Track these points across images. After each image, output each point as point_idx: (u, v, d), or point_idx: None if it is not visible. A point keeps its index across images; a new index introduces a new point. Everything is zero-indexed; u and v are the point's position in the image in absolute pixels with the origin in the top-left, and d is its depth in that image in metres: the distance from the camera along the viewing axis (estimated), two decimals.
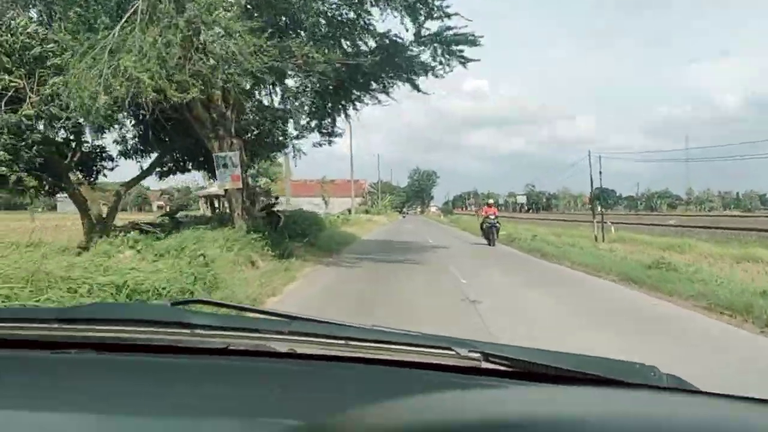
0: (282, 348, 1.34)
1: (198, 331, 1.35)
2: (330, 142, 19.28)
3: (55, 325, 1.39)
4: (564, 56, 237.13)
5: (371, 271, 15.61)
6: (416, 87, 18.21)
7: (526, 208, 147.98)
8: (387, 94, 18.51)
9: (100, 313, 1.52)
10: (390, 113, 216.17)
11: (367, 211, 77.57)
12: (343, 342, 1.31)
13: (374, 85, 18.37)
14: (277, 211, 21.71)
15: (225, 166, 15.64)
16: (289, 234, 21.24)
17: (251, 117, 16.41)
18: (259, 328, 1.38)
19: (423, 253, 20.96)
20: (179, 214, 20.94)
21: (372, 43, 16.46)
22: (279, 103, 16.84)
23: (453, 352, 1.27)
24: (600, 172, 28.08)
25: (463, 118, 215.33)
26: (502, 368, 1.25)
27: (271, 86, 15.33)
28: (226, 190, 16.30)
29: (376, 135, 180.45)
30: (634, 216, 78.10)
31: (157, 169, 19.89)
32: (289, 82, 16.85)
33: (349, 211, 73.08)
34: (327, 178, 76.06)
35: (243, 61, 11.69)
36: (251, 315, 1.78)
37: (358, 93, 18.39)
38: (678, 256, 18.14)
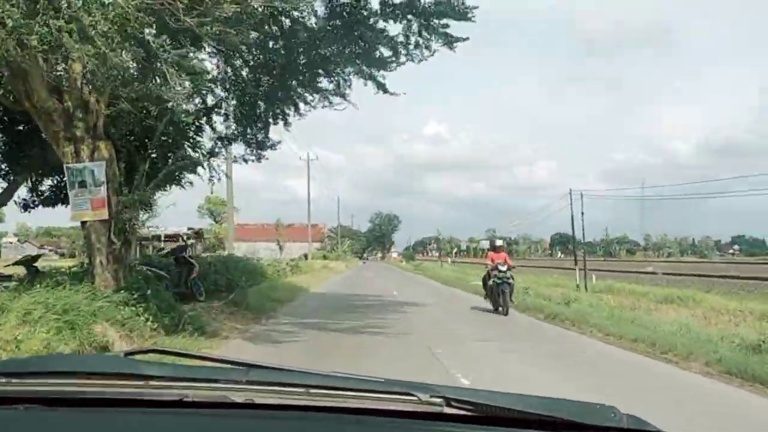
0: (240, 398, 1.28)
1: (152, 382, 1.30)
2: (260, 157, 13.55)
3: (2, 380, 1.32)
4: (522, 102, 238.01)
5: (312, 349, 9.97)
6: (381, 86, 12.81)
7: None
8: (342, 95, 13.02)
9: (49, 365, 1.47)
10: (352, 158, 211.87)
11: (324, 257, 71.72)
12: (303, 390, 1.28)
13: (324, 82, 12.89)
14: (190, 257, 15.96)
15: (82, 184, 9.81)
16: (207, 289, 15.40)
17: (139, 115, 10.41)
18: (216, 378, 1.33)
19: (389, 314, 15.35)
20: (40, 260, 14.96)
21: (321, 7, 11.03)
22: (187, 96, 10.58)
23: (414, 398, 1.24)
24: (582, 213, 24.60)
25: (424, 163, 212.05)
26: (464, 413, 1.22)
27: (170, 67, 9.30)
28: (83, 223, 10.25)
29: (338, 179, 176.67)
30: (602, 262, 75.05)
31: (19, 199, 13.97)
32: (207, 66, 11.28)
33: (306, 256, 67.22)
34: (283, 221, 69.41)
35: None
36: (208, 364, 1.62)
37: (301, 89, 12.82)
38: (685, 311, 15.68)
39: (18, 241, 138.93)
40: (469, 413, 1.22)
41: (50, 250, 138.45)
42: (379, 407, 1.25)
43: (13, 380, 1.32)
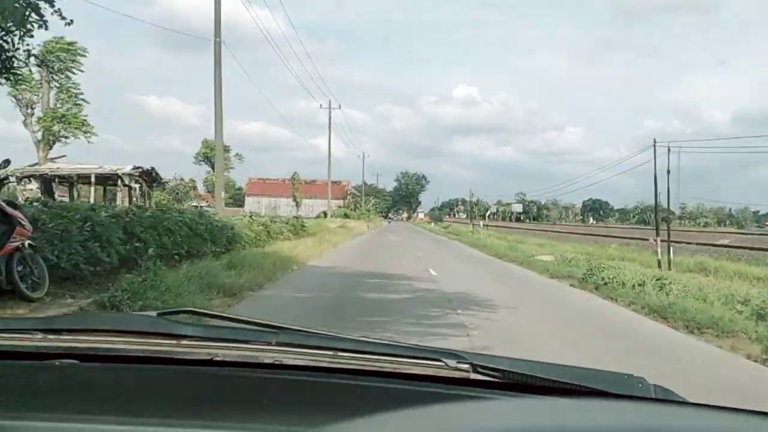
0: (269, 359, 1.28)
1: (184, 341, 1.31)
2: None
3: (39, 336, 1.35)
4: (554, 66, 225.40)
5: None
6: None
7: (521, 217, 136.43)
8: None
9: (85, 323, 1.51)
10: (378, 119, 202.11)
11: (346, 215, 64.14)
12: (331, 353, 1.28)
13: None
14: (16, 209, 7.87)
15: None
16: (69, 270, 7.66)
17: None
18: (246, 339, 1.34)
19: (437, 334, 7.47)
20: None
21: None
22: None
23: (442, 363, 1.24)
24: (668, 172, 20.50)
25: (452, 125, 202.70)
26: (491, 380, 1.22)
27: None
28: None
29: (364, 139, 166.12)
30: (646, 230, 66.32)
31: None
32: None
33: (325, 214, 59.64)
34: (302, 177, 61.46)
35: None
36: (239, 326, 1.61)
37: None
38: None
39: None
40: (495, 380, 1.22)
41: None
42: (406, 371, 1.25)
43: (50, 336, 1.34)
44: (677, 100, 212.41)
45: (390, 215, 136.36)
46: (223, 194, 24.96)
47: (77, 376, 1.25)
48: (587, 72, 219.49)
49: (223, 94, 20.46)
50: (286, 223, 25.27)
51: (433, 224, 78.23)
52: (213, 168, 30.34)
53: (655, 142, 20.96)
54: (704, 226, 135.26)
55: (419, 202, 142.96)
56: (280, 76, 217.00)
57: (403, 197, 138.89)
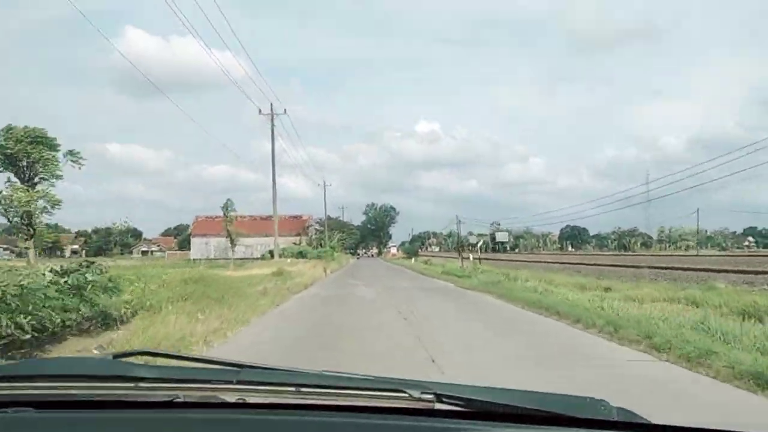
0: (232, 398, 1.25)
1: (142, 384, 1.25)
2: None
3: None
4: (515, 99, 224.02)
5: None
6: None
7: (497, 247, 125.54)
8: None
9: (39, 369, 1.43)
10: (344, 157, 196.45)
11: (301, 253, 50.34)
12: (294, 389, 1.24)
13: None
14: None
15: None
16: None
17: None
18: (207, 379, 1.30)
19: None
20: None
21: None
22: None
23: (405, 395, 1.21)
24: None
25: (417, 161, 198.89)
26: (456, 408, 1.19)
27: None
28: None
29: (330, 177, 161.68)
30: (639, 257, 56.63)
31: None
32: None
33: (271, 254, 45.96)
34: (232, 210, 46.78)
35: None
36: (199, 365, 1.55)
37: None
38: None
39: None
40: (460, 409, 1.18)
41: (5, 248, 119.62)
42: (370, 404, 1.21)
43: (2, 383, 1.28)
44: (633, 128, 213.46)
45: (359, 251, 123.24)
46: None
47: (32, 425, 1.18)
48: (547, 103, 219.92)
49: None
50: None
51: (412, 260, 64.05)
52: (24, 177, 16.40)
53: None
54: (686, 249, 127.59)
55: (389, 236, 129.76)
56: (243, 116, 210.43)
57: (371, 231, 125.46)
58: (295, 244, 60.27)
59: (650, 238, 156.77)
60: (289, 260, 39.30)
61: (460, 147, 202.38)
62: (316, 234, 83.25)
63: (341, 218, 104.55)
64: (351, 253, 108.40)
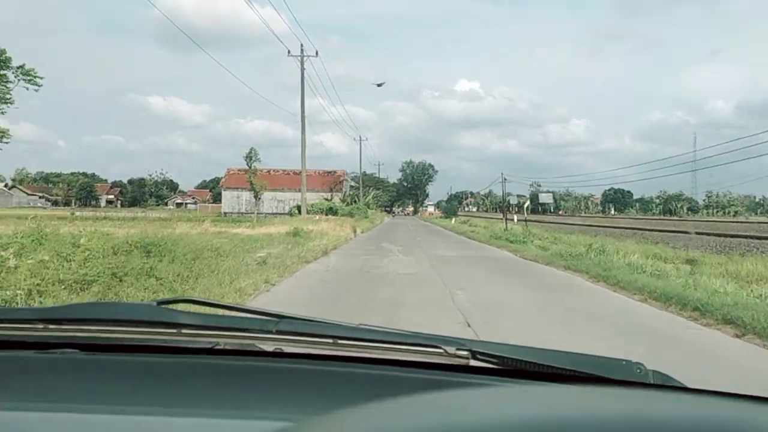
0: (269, 347, 1.29)
1: (184, 330, 1.28)
2: None
3: (40, 326, 1.33)
4: (557, 60, 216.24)
5: None
6: None
7: (539, 209, 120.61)
8: None
9: (86, 312, 1.45)
10: (381, 115, 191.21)
11: (331, 209, 46.43)
12: (331, 341, 1.26)
13: None
14: None
15: None
16: None
17: None
18: (246, 328, 1.31)
19: None
20: None
21: None
22: None
23: (441, 350, 1.22)
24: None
25: (455, 119, 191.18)
26: (490, 366, 1.21)
27: None
28: None
29: (368, 134, 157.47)
30: (698, 222, 50.55)
31: None
32: None
33: (299, 209, 42.10)
34: (257, 159, 42.82)
35: None
36: (239, 314, 1.55)
37: None
38: None
39: (5, 186, 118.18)
40: (494, 366, 1.20)
41: (41, 197, 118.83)
42: (405, 359, 1.23)
43: (51, 326, 1.32)
44: (680, 92, 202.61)
45: (394, 209, 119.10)
46: None
47: (79, 366, 1.23)
48: (590, 65, 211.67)
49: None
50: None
51: (451, 220, 59.47)
52: None
53: None
54: (734, 215, 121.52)
55: (426, 195, 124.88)
56: (284, 74, 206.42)
57: (408, 189, 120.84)
58: (326, 199, 56.29)
59: (695, 202, 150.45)
60: (317, 217, 35.41)
61: (500, 106, 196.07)
62: (350, 190, 79.40)
63: (377, 175, 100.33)
64: (386, 210, 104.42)
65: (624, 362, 1.22)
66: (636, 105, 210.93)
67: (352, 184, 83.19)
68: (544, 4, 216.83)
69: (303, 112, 36.28)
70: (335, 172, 79.42)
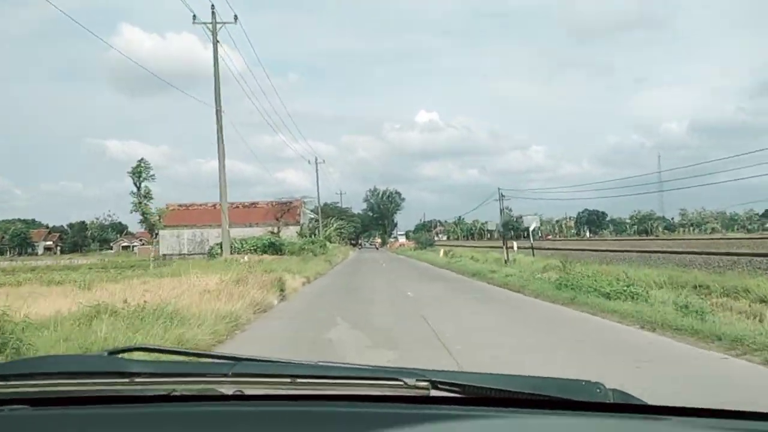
0: (228, 391, 1.22)
1: (138, 379, 1.21)
2: None
3: None
4: (514, 89, 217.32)
5: None
6: None
7: (535, 233, 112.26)
8: None
9: (33, 366, 1.37)
10: (343, 150, 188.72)
11: (273, 245, 34.62)
12: (289, 380, 1.21)
13: None
14: None
15: None
16: None
17: None
18: (203, 372, 1.27)
19: None
20: None
21: None
22: None
23: (400, 383, 1.17)
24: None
25: (417, 151, 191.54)
26: (451, 395, 1.16)
27: None
28: None
29: (329, 169, 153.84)
30: (686, 240, 47.55)
31: None
32: None
33: (220, 247, 29.92)
34: (146, 177, 30.85)
35: None
36: (194, 359, 1.52)
37: None
38: None
39: None
40: (455, 395, 1.16)
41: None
42: (366, 393, 1.19)
43: None
44: (635, 115, 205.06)
45: (360, 241, 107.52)
46: None
47: (29, 422, 1.16)
48: (547, 92, 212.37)
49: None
50: None
51: (441, 254, 47.12)
52: None
53: None
54: (710, 231, 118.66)
55: (395, 224, 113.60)
56: (242, 112, 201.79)
57: (374, 219, 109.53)
58: (272, 233, 44.39)
59: (668, 221, 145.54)
60: (246, 257, 23.78)
61: (460, 137, 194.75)
62: (311, 223, 67.92)
63: (339, 205, 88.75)
64: (352, 243, 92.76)
65: (584, 383, 1.18)
66: (592, 129, 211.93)
67: (312, 216, 71.68)
68: (496, 36, 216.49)
69: (218, 100, 24.59)
70: (290, 202, 67.50)
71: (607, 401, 1.14)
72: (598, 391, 1.15)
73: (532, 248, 29.87)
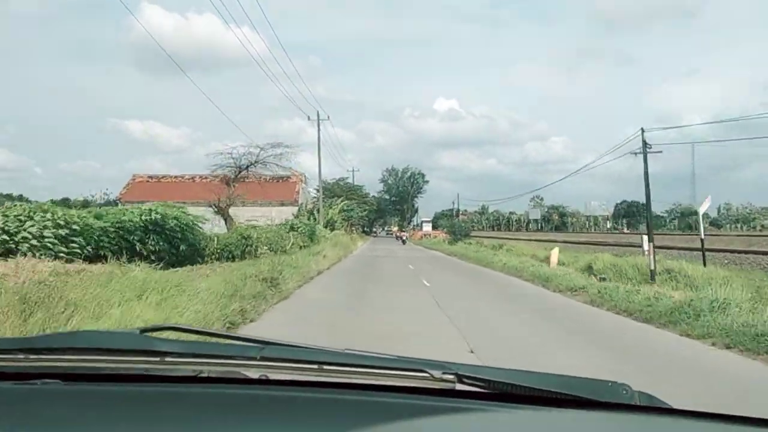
0: (254, 374, 1.24)
1: (168, 359, 1.23)
2: None
3: (20, 356, 1.26)
4: (535, 77, 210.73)
5: None
6: None
7: (541, 226, 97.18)
8: None
9: (66, 341, 1.37)
10: (361, 136, 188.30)
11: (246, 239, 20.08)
12: (316, 367, 1.21)
13: None
14: None
15: None
16: None
17: None
18: (230, 355, 1.26)
19: None
20: None
21: None
22: None
23: (427, 375, 1.17)
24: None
25: (436, 140, 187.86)
26: (476, 390, 1.16)
27: None
28: None
29: (348, 155, 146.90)
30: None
31: None
32: None
33: None
34: None
35: None
36: (223, 341, 1.51)
37: None
38: None
39: None
40: (481, 390, 1.15)
41: None
42: (391, 383, 1.18)
43: (31, 356, 1.26)
44: (657, 107, 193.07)
45: (375, 229, 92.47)
46: None
47: (59, 397, 1.17)
48: (568, 82, 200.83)
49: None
50: None
51: (478, 247, 31.59)
52: None
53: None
54: (760, 229, 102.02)
55: (416, 210, 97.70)
56: (261, 95, 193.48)
57: (392, 203, 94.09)
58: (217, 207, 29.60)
59: (708, 216, 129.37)
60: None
61: (480, 126, 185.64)
62: (314, 205, 53.31)
63: (351, 182, 73.60)
64: (365, 231, 77.95)
65: (610, 384, 1.17)
66: (612, 120, 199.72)
67: (315, 194, 56.98)
68: (520, 23, 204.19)
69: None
70: (288, 178, 52.54)
71: (633, 402, 1.12)
72: (624, 392, 1.14)
73: (703, 249, 14.59)
